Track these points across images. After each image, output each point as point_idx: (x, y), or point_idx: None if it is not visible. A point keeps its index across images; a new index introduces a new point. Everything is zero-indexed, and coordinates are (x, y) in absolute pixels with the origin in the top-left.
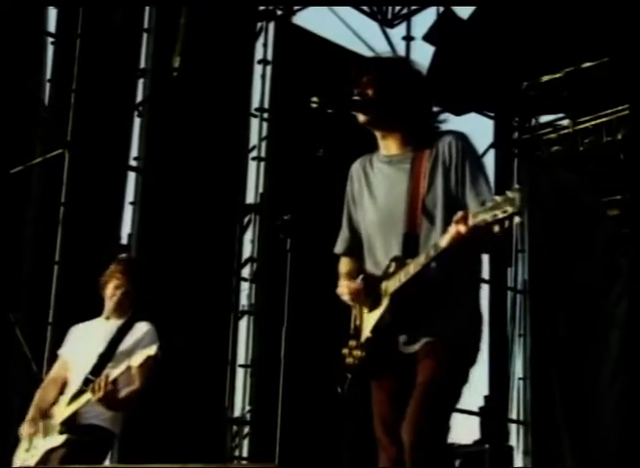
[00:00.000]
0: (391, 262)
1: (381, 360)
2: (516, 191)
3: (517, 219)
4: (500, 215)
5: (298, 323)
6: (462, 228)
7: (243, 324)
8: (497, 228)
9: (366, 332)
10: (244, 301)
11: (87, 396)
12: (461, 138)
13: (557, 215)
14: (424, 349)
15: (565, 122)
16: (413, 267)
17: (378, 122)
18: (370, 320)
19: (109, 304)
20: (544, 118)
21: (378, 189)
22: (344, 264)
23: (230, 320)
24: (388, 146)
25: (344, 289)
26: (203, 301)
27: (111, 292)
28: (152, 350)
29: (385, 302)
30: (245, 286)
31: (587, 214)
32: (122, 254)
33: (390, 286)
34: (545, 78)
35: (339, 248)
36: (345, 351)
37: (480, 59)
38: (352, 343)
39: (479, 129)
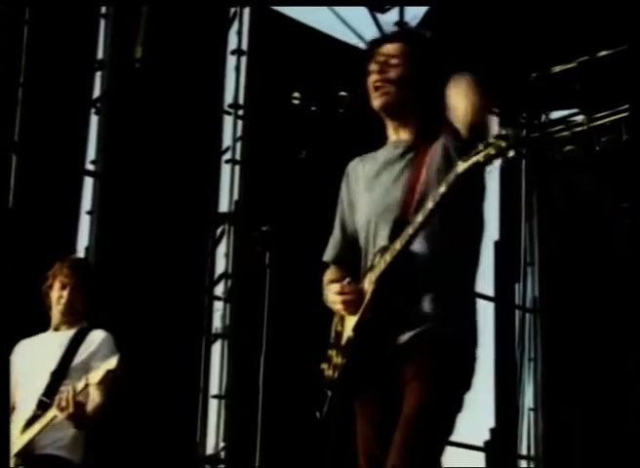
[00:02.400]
0: (376, 254)
1: (366, 367)
2: (510, 128)
3: (511, 153)
4: (494, 153)
5: (278, 347)
6: (455, 172)
7: (216, 349)
8: (489, 168)
9: (347, 332)
10: (217, 323)
11: (45, 419)
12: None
13: (571, 224)
14: (415, 356)
15: (579, 118)
16: (399, 243)
17: (397, 108)
18: (353, 319)
19: (57, 311)
20: (556, 114)
21: (376, 180)
22: (331, 273)
23: (202, 344)
24: (399, 131)
25: (335, 295)
26: (170, 323)
27: (57, 293)
28: (112, 363)
29: (369, 291)
30: (218, 305)
31: (606, 222)
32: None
33: (374, 272)
34: (557, 68)
35: (328, 255)
36: (324, 365)
37: (482, 47)
38: (331, 353)
39: None
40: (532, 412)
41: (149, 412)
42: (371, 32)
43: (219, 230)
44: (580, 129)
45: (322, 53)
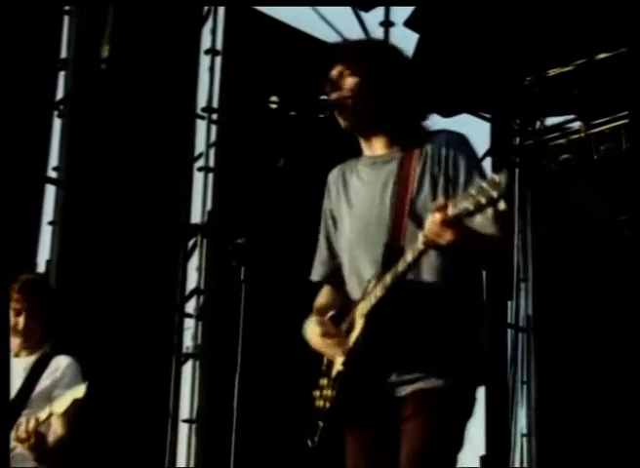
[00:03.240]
0: (370, 281)
1: (357, 401)
2: (502, 174)
3: (502, 206)
4: (484, 202)
5: (253, 368)
6: (440, 217)
7: (187, 369)
8: (479, 219)
9: (337, 366)
10: (188, 342)
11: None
12: (455, 137)
13: (568, 238)
14: (412, 401)
15: (576, 125)
16: (390, 278)
17: (361, 124)
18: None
19: (15, 337)
20: (551, 120)
21: (358, 195)
22: (323, 295)
23: (171, 364)
24: (374, 147)
25: (315, 336)
26: (138, 342)
27: (13, 321)
28: (79, 392)
29: (359, 325)
30: (190, 323)
31: (604, 236)
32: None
33: (365, 305)
34: (553, 72)
35: (315, 274)
36: (316, 393)
37: (473, 49)
38: (324, 382)
39: (473, 133)
40: (525, 439)
41: (115, 438)
42: (354, 32)
43: (190, 242)
44: (577, 136)
45: (302, 53)
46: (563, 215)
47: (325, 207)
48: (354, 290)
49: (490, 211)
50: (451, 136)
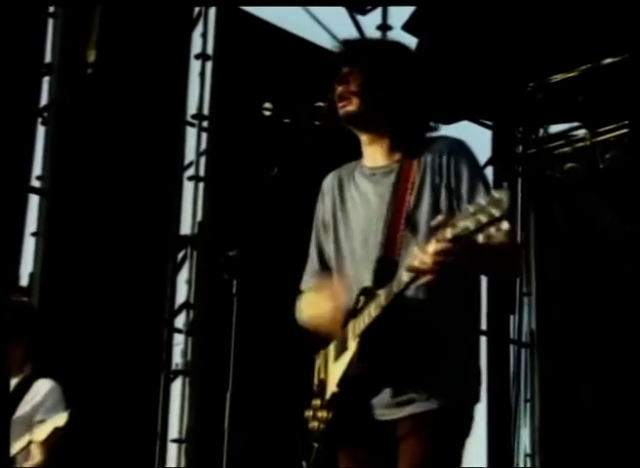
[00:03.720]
0: (360, 296)
1: (353, 423)
2: (504, 190)
3: (505, 226)
4: (485, 220)
5: (245, 386)
6: (442, 240)
7: (176, 387)
8: (481, 238)
9: (331, 387)
10: (177, 358)
11: None
12: (455, 144)
13: (572, 249)
14: (408, 422)
15: (581, 132)
16: (384, 297)
17: (362, 124)
18: (336, 370)
19: None
20: (555, 128)
21: (354, 208)
22: (310, 296)
23: (160, 382)
24: (374, 155)
25: (320, 307)
26: (126, 359)
27: None
28: (61, 420)
29: (353, 346)
30: (179, 339)
31: (612, 248)
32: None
33: (358, 325)
34: (556, 78)
35: (307, 283)
36: (309, 413)
37: (474, 54)
38: (316, 402)
39: (474, 141)
40: (528, 459)
41: (102, 458)
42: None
43: (180, 255)
44: (581, 144)
45: (297, 58)
46: (567, 227)
47: (317, 214)
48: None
49: (492, 230)
50: (450, 142)
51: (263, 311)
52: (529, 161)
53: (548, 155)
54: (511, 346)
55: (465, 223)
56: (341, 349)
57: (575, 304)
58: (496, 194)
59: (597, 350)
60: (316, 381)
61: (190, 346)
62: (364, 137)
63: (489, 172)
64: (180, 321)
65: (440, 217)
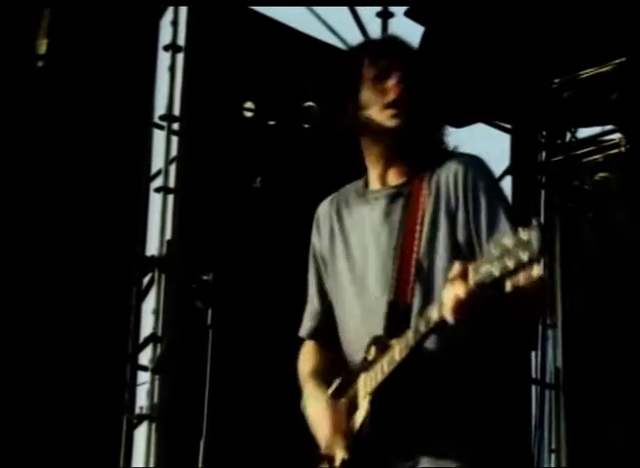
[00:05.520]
0: (370, 346)
1: None
2: (534, 229)
3: (536, 271)
4: (512, 266)
5: (222, 433)
6: (462, 290)
7: (141, 433)
8: (508, 286)
9: (340, 453)
10: (142, 401)
11: None
12: (472, 164)
13: (605, 274)
14: None
15: (615, 137)
16: (398, 352)
17: (404, 136)
18: (347, 432)
19: None
20: (585, 131)
21: (357, 239)
22: (309, 358)
23: (122, 428)
24: (381, 175)
25: (317, 418)
26: (82, 401)
27: None
28: None
29: (364, 406)
30: (144, 377)
31: None
32: None
33: (369, 381)
34: (586, 73)
35: (304, 329)
36: None
37: (489, 44)
38: (324, 466)
39: (489, 147)
40: None
41: None
42: (346, 24)
43: (145, 279)
44: (615, 151)
45: (284, 51)
46: (599, 247)
47: (314, 248)
48: (351, 350)
49: (521, 277)
50: (466, 161)
51: (243, 345)
52: (554, 170)
53: (576, 163)
54: (533, 387)
55: (488, 269)
56: (352, 407)
57: (608, 338)
58: (523, 235)
59: (633, 391)
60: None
61: (157, 386)
62: (378, 154)
63: (507, 182)
64: (145, 356)
65: (457, 266)
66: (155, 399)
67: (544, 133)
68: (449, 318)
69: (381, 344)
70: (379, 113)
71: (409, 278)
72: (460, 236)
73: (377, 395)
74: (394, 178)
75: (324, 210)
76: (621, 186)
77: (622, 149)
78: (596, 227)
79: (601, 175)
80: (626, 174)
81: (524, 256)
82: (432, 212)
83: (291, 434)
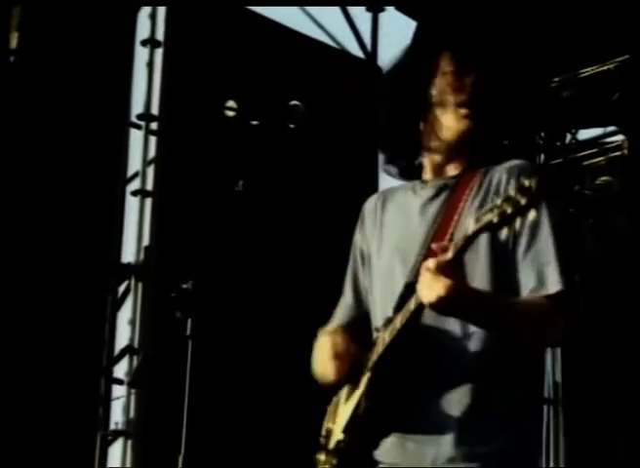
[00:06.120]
0: (382, 327)
1: None
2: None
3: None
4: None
5: (201, 449)
6: (432, 262)
7: (116, 450)
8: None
9: (337, 433)
10: (117, 416)
11: None
12: (527, 167)
13: (606, 282)
14: None
15: (617, 139)
16: (399, 320)
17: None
18: (344, 413)
19: None
20: (585, 133)
21: (392, 227)
22: (332, 342)
23: (96, 445)
24: (439, 167)
25: (328, 352)
26: (55, 416)
27: None
28: None
29: (364, 381)
30: (120, 391)
31: None
32: None
33: (371, 357)
34: (587, 71)
35: (336, 319)
36: None
37: (485, 40)
38: (320, 458)
39: None
40: None
41: None
42: (334, 20)
43: (121, 288)
44: (617, 153)
45: (269, 47)
46: (600, 256)
47: (356, 243)
48: None
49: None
50: (521, 163)
51: (224, 357)
52: (553, 173)
53: (577, 167)
54: None
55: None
56: (353, 388)
57: (610, 350)
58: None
59: (635, 407)
60: (323, 432)
61: (134, 400)
62: (438, 147)
63: None
64: (120, 369)
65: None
66: (131, 414)
67: (543, 134)
68: (418, 287)
69: (389, 322)
70: (450, 111)
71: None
72: (503, 236)
73: (377, 369)
74: (450, 171)
75: (370, 204)
76: (624, 191)
77: (625, 152)
78: (597, 234)
79: (602, 179)
80: (629, 177)
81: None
82: (477, 204)
83: (274, 450)
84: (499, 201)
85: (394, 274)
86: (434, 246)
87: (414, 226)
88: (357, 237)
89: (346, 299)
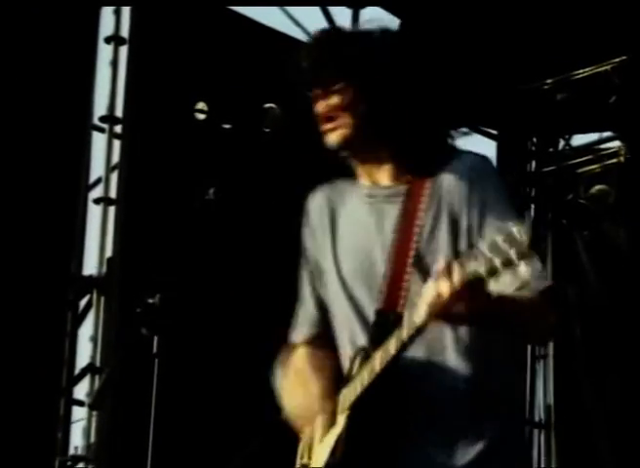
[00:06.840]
0: (355, 358)
1: None
2: (522, 226)
3: (524, 271)
4: (498, 263)
5: None
6: (445, 288)
7: None
8: (493, 286)
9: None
10: (77, 440)
11: None
12: (481, 164)
13: (603, 301)
14: None
15: (613, 145)
16: (379, 362)
17: (363, 144)
18: (321, 452)
19: None
20: (580, 139)
21: (348, 241)
22: (300, 360)
23: None
24: (374, 175)
25: (298, 405)
26: (10, 440)
27: None
28: None
29: (341, 422)
30: (80, 413)
31: None
32: None
33: (349, 395)
34: (582, 73)
35: (300, 334)
36: None
37: (474, 39)
38: None
39: None
40: None
41: None
42: (313, 17)
43: (82, 302)
44: (614, 160)
45: (242, 46)
46: (595, 267)
47: (307, 247)
48: (344, 358)
49: (508, 277)
50: (473, 161)
51: (193, 377)
52: (545, 181)
53: (571, 174)
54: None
55: (474, 267)
56: (329, 425)
57: (606, 371)
58: (513, 230)
59: (632, 432)
60: (299, 465)
61: (95, 423)
62: (358, 158)
63: None
64: (81, 390)
65: (442, 262)
66: (92, 438)
67: (535, 140)
68: (427, 317)
69: (366, 356)
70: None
71: (401, 285)
72: (463, 244)
73: (355, 410)
74: (389, 179)
75: (315, 204)
76: (621, 200)
77: (622, 159)
78: (593, 247)
79: (598, 187)
80: (626, 186)
81: (511, 254)
82: (434, 216)
83: None
84: (485, 247)
85: (354, 293)
86: (438, 269)
87: (371, 243)
88: (307, 240)
89: (307, 309)
